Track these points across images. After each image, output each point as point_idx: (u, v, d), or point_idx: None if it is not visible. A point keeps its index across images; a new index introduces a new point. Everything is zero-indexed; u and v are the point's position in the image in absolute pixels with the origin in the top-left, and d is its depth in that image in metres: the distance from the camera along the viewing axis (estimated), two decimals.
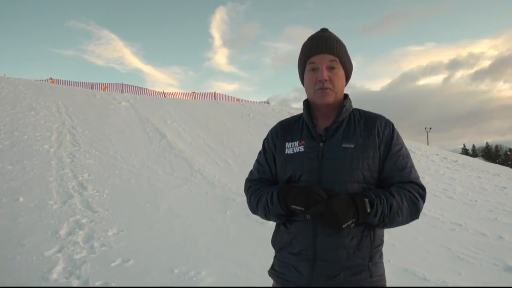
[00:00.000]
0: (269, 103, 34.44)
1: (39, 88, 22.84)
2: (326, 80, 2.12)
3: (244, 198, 8.35)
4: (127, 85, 31.83)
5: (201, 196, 9.93)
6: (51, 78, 29.40)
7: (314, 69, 2.16)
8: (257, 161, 2.40)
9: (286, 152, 2.21)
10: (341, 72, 2.17)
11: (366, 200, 1.97)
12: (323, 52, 2.14)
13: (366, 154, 2.07)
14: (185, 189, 10.43)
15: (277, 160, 2.26)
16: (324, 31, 2.25)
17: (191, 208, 8.91)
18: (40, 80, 28.31)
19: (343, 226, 1.92)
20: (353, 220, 1.93)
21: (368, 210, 1.96)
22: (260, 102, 34.15)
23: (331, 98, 2.14)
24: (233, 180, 11.45)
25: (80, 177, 10.39)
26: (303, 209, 1.99)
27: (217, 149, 15.54)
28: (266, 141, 2.38)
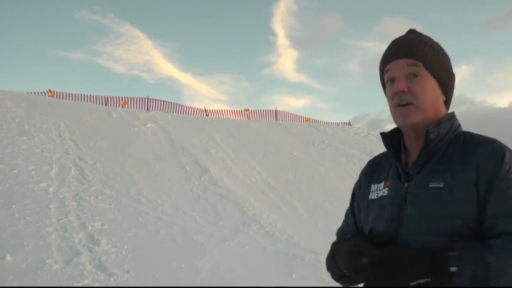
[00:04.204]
0: (351, 125, 34.31)
1: (34, 104, 23.66)
2: (403, 92, 2.07)
3: (315, 256, 8.29)
4: (155, 99, 32.27)
5: (257, 253, 10.02)
6: (50, 90, 29.81)
7: (391, 80, 2.14)
8: (346, 210, 2.47)
9: (369, 197, 2.24)
10: (428, 81, 2.10)
11: (453, 254, 1.83)
12: (400, 57, 2.12)
13: (457, 195, 1.95)
14: (235, 243, 10.54)
15: (361, 208, 2.31)
16: (410, 32, 2.24)
17: (243, 269, 9.01)
18: (35, 93, 28.96)
19: (410, 284, 1.82)
20: (428, 280, 1.81)
21: (453, 269, 1.80)
22: (339, 124, 34.19)
23: (415, 117, 2.07)
24: (301, 231, 11.46)
25: (90, 227, 10.68)
26: (345, 271, 2.03)
27: (279, 189, 15.62)
28: (356, 185, 2.43)
